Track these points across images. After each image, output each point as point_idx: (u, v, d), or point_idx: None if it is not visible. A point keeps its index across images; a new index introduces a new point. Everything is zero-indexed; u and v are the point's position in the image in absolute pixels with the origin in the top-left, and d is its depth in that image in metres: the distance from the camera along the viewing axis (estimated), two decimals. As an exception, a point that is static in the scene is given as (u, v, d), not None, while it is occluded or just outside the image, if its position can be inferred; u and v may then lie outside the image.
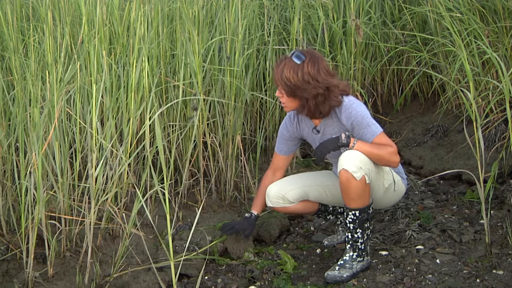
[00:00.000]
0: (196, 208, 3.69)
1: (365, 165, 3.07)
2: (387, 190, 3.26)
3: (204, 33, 3.78)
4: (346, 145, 3.08)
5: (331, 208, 3.48)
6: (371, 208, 3.17)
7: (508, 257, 3.18)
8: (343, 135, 3.08)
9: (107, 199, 3.13)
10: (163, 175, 3.46)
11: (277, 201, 3.34)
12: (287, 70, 3.07)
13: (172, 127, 3.66)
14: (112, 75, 3.35)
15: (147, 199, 3.50)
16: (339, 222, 3.52)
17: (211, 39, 3.89)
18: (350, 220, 3.14)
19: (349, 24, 4.37)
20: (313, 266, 3.35)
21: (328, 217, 3.51)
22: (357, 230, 3.15)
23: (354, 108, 3.13)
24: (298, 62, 3.07)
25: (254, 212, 3.42)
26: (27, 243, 2.92)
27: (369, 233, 3.19)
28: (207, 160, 3.79)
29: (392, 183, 3.26)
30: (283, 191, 3.33)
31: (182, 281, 3.21)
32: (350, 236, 3.17)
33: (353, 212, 3.12)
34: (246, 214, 3.43)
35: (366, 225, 3.15)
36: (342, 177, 3.07)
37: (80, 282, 2.96)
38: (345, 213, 3.16)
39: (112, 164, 3.15)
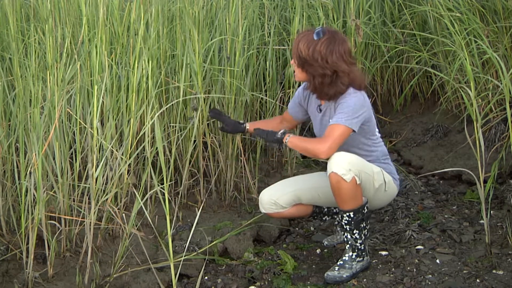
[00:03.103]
0: (196, 209, 3.69)
1: (354, 166, 3.06)
2: (377, 191, 3.24)
3: (204, 34, 3.78)
4: (280, 140, 3.17)
5: (325, 209, 3.46)
6: (365, 207, 3.16)
7: (508, 257, 3.18)
8: (279, 132, 3.18)
9: (107, 199, 3.13)
10: (163, 175, 3.47)
11: (270, 207, 3.33)
12: (303, 42, 3.13)
13: (173, 128, 3.66)
14: (112, 76, 3.35)
15: (147, 199, 3.50)
16: (336, 223, 3.51)
17: (211, 40, 3.89)
18: (346, 222, 3.13)
19: (349, 24, 4.36)
20: (313, 266, 3.36)
21: (324, 219, 3.50)
22: (354, 231, 3.14)
23: (351, 98, 3.12)
24: (316, 38, 3.10)
25: (247, 125, 3.47)
26: (27, 243, 2.92)
27: (366, 232, 3.19)
28: (207, 160, 3.79)
29: (383, 184, 3.25)
30: (274, 196, 3.32)
31: (182, 281, 3.21)
32: (348, 237, 3.17)
33: (348, 213, 3.12)
34: (240, 121, 3.53)
35: (362, 225, 3.15)
36: (332, 180, 3.06)
37: (80, 282, 2.96)
38: (340, 215, 3.16)
39: (112, 164, 3.15)
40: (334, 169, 3.04)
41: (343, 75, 3.10)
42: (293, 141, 3.15)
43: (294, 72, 3.25)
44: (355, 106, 3.10)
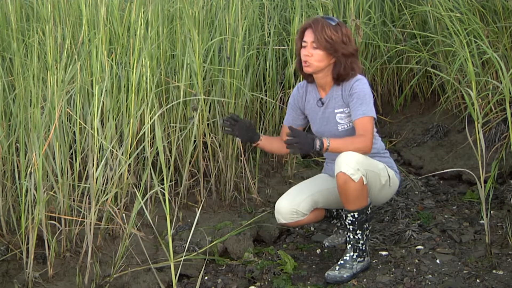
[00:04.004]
0: (196, 209, 3.70)
1: (362, 166, 3.06)
2: (383, 187, 3.24)
3: (204, 34, 3.78)
4: (321, 149, 3.04)
5: (335, 213, 3.46)
6: (369, 208, 3.16)
7: (508, 257, 3.18)
8: (317, 142, 3.02)
9: (107, 199, 3.13)
10: (163, 175, 3.47)
11: (291, 216, 3.26)
12: (328, 29, 3.16)
13: (173, 128, 3.66)
14: (113, 76, 3.35)
15: (147, 199, 3.50)
16: (339, 224, 3.51)
17: (211, 40, 3.89)
18: (350, 222, 3.13)
19: (349, 24, 4.37)
20: (313, 266, 3.35)
21: (332, 222, 3.50)
22: (357, 232, 3.14)
23: (363, 84, 3.19)
24: (333, 23, 3.18)
25: (261, 136, 3.37)
26: (27, 244, 2.92)
27: (368, 233, 3.19)
28: (207, 160, 3.79)
29: (388, 179, 3.25)
30: (294, 204, 3.25)
31: (182, 281, 3.21)
32: (351, 237, 3.16)
33: (352, 214, 3.11)
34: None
35: (365, 226, 3.15)
36: (339, 179, 3.05)
37: (80, 283, 2.96)
38: (344, 215, 3.16)
39: (112, 164, 3.15)
40: (342, 169, 3.04)
41: (357, 55, 3.24)
42: (334, 145, 3.06)
43: (303, 64, 3.19)
44: (368, 91, 3.18)
